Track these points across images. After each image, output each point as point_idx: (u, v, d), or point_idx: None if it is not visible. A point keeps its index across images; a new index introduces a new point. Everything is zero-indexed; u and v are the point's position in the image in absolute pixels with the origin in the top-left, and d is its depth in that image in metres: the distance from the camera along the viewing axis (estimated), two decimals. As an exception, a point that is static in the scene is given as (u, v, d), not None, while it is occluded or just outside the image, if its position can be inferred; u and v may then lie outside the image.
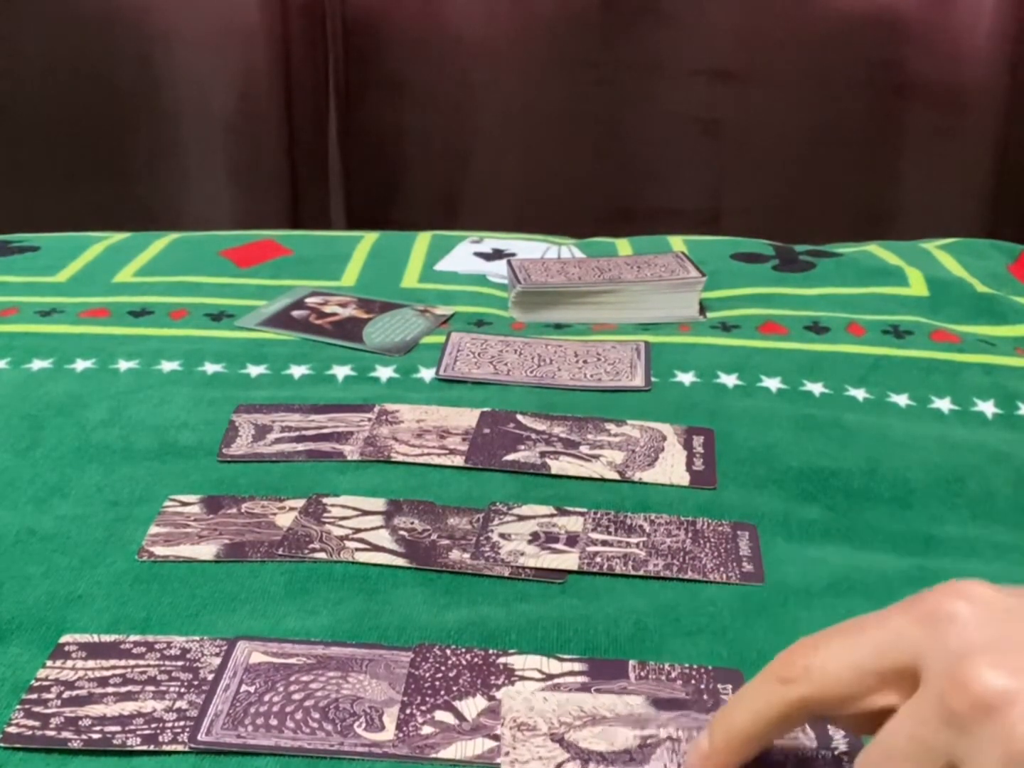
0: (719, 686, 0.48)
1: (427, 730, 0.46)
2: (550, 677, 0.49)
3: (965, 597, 0.36)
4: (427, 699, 0.48)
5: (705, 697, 0.48)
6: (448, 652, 0.51)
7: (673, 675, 0.49)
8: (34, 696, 0.48)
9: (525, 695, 0.48)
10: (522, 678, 0.49)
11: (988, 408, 0.77)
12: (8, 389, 0.76)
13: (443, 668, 0.50)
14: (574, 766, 0.44)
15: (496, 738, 0.46)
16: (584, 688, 0.48)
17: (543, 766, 0.44)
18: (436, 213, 1.77)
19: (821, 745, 0.45)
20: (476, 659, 0.50)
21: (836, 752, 0.45)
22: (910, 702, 0.35)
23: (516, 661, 0.50)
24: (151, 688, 0.48)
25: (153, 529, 0.60)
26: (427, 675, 0.49)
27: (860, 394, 0.78)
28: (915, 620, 0.36)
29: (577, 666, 0.50)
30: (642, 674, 0.49)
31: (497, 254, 1.05)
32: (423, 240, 1.08)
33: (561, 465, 0.67)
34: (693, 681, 0.49)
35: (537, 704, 0.47)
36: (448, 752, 0.45)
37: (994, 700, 0.33)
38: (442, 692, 0.48)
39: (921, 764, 0.35)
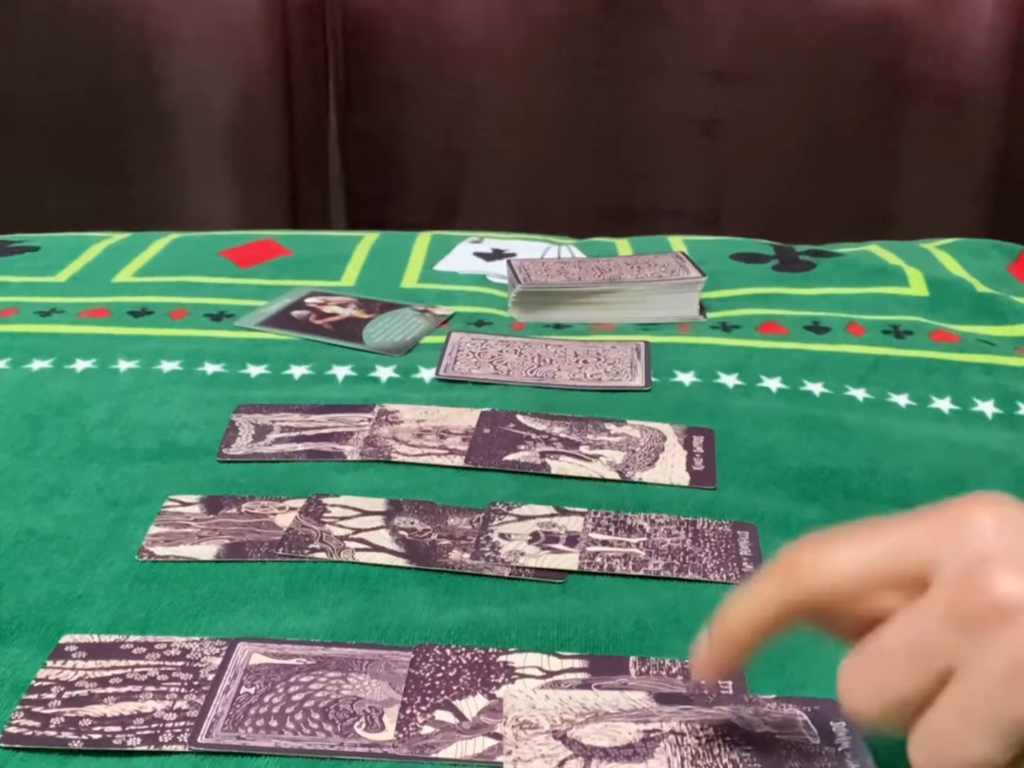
0: (719, 681, 0.49)
1: (427, 730, 0.46)
2: (550, 674, 0.49)
3: (988, 507, 0.35)
4: (427, 699, 0.48)
5: (707, 692, 0.48)
6: (448, 652, 0.51)
7: (674, 671, 0.49)
8: (34, 696, 0.48)
9: (527, 693, 0.48)
10: (522, 676, 0.49)
11: (988, 408, 0.77)
12: (8, 389, 0.76)
13: (443, 668, 0.50)
14: (577, 763, 0.44)
15: (496, 736, 0.46)
16: (585, 685, 0.48)
17: (546, 764, 0.44)
18: (436, 213, 1.77)
19: (824, 742, 0.45)
20: (476, 658, 0.50)
21: (840, 748, 0.45)
22: (916, 602, 0.34)
23: (516, 659, 0.50)
24: (151, 688, 0.48)
25: (153, 529, 0.60)
26: (427, 675, 0.49)
27: (860, 394, 0.78)
28: (934, 525, 0.36)
29: (577, 663, 0.50)
30: (643, 670, 0.49)
31: (497, 254, 1.05)
32: (423, 240, 1.08)
33: (561, 465, 0.67)
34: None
35: (539, 702, 0.47)
36: (448, 752, 0.45)
37: (1010, 606, 0.32)
38: (442, 692, 0.48)
39: (917, 664, 0.34)
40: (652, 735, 0.45)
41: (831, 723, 0.46)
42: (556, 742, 0.45)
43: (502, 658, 0.50)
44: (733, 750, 0.44)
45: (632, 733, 0.45)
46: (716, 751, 0.44)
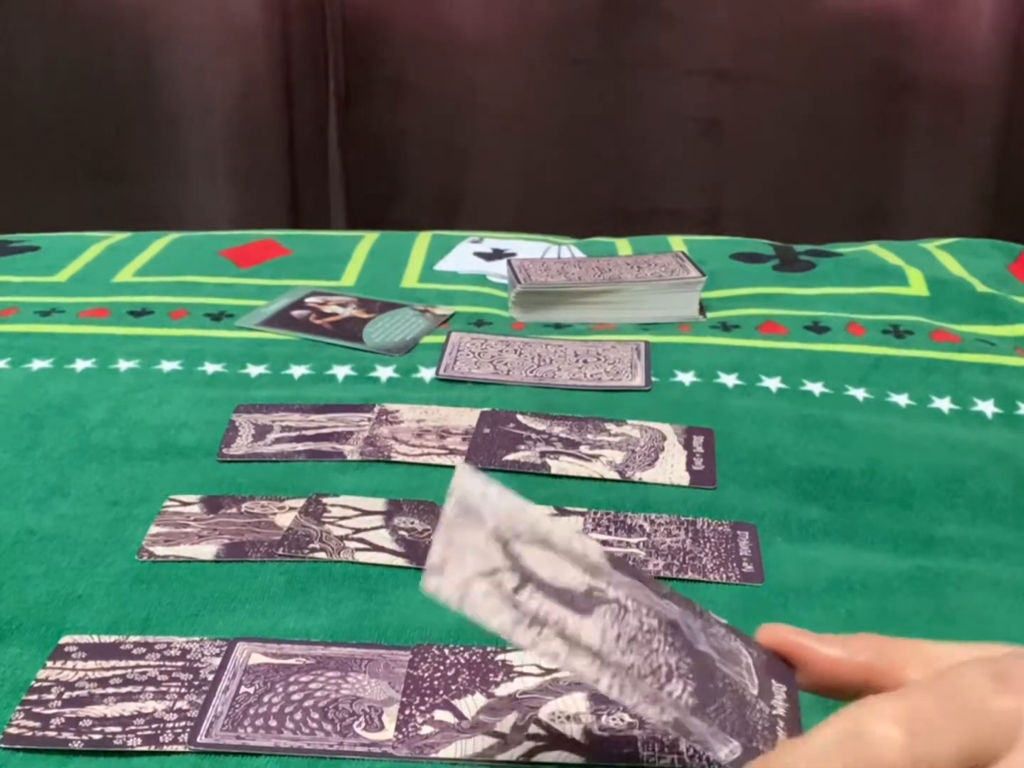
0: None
1: (427, 730, 0.46)
2: (548, 672, 0.49)
3: None
4: (426, 699, 0.48)
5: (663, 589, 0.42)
6: (447, 651, 0.51)
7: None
8: (34, 697, 0.48)
9: (482, 479, 0.39)
10: (521, 674, 0.49)
11: (988, 408, 0.77)
12: (8, 389, 0.76)
13: (442, 667, 0.50)
14: (511, 578, 0.38)
15: (495, 735, 0.46)
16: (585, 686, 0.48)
17: (479, 562, 0.37)
18: (436, 213, 1.77)
19: (762, 696, 0.40)
20: (475, 657, 0.50)
21: (773, 712, 0.40)
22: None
23: (514, 658, 0.50)
24: (151, 689, 0.48)
25: (153, 529, 0.60)
26: (426, 675, 0.49)
27: (860, 394, 0.78)
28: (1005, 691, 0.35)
29: None
30: None
31: (497, 254, 1.05)
32: (423, 240, 1.08)
33: (561, 465, 0.67)
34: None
35: (491, 496, 0.39)
36: (448, 751, 0.45)
37: None
38: (441, 691, 0.48)
39: None
40: (595, 594, 0.39)
41: (773, 681, 0.41)
42: (496, 545, 0.38)
43: (500, 657, 0.50)
44: (672, 654, 0.39)
45: (576, 580, 0.39)
46: (655, 645, 0.39)
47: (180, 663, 0.50)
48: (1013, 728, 0.34)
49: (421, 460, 0.68)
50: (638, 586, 0.41)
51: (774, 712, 0.40)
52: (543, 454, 0.68)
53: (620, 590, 0.40)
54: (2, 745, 0.45)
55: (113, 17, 1.67)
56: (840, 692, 0.41)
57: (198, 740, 0.45)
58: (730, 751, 0.38)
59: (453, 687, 0.48)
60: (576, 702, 0.48)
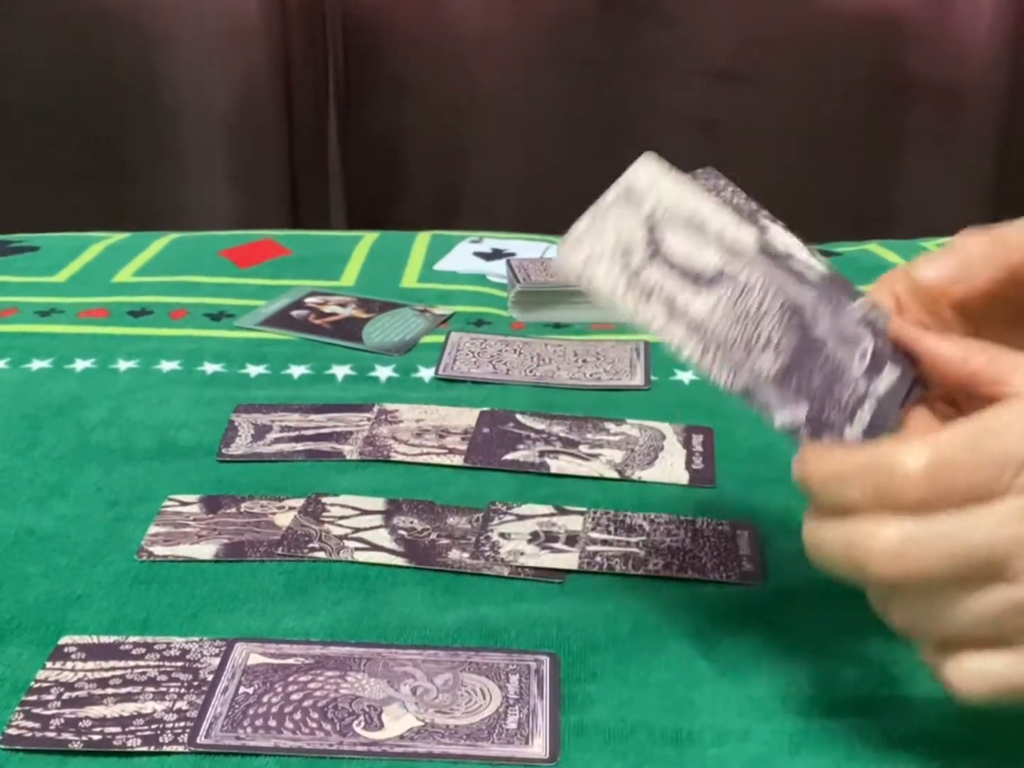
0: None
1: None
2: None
3: None
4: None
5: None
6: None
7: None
8: (34, 697, 0.48)
9: (663, 168, 0.43)
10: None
11: (988, 407, 0.76)
12: (8, 389, 0.76)
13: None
14: (642, 256, 0.40)
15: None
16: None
17: (613, 242, 0.41)
18: (436, 213, 1.77)
19: (869, 376, 0.41)
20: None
21: (869, 390, 0.41)
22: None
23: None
24: (151, 689, 0.48)
25: (152, 529, 0.60)
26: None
27: (860, 393, 0.77)
28: None
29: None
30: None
31: (497, 254, 1.05)
32: (423, 240, 1.08)
33: (560, 464, 0.67)
34: None
35: (663, 183, 0.42)
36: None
37: None
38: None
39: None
40: (724, 275, 0.41)
41: (889, 364, 0.42)
42: (643, 230, 0.41)
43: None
44: (777, 331, 0.40)
45: (711, 262, 0.41)
46: (764, 323, 0.40)
47: (179, 663, 0.50)
48: None
49: (420, 460, 0.68)
50: (780, 272, 0.41)
51: (874, 392, 0.41)
52: (542, 453, 0.68)
53: (754, 274, 0.41)
54: (1, 745, 0.45)
55: (113, 17, 1.68)
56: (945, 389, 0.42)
57: (198, 740, 0.45)
58: (786, 422, 0.40)
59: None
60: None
